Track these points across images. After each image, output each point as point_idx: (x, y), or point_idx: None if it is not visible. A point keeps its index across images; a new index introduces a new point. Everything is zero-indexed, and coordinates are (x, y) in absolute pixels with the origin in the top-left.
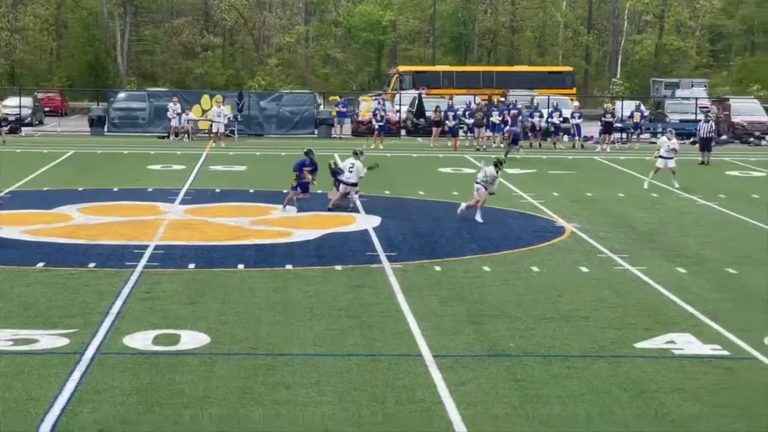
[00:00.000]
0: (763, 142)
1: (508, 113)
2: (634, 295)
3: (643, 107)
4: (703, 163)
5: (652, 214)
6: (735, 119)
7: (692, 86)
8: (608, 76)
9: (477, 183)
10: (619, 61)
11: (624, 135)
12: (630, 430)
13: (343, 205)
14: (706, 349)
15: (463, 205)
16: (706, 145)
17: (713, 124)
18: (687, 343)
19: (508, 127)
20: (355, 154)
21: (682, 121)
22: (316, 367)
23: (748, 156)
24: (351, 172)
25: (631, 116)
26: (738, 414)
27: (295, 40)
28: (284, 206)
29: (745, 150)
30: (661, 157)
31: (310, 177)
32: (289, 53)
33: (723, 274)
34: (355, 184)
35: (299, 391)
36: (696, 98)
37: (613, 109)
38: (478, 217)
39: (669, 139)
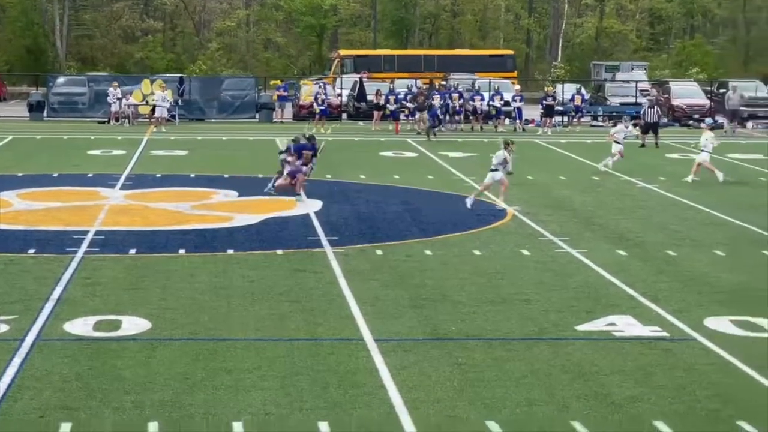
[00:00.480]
0: (702, 125)
1: (449, 97)
2: (575, 277)
3: (583, 90)
4: (643, 146)
5: (593, 197)
6: (674, 102)
7: (632, 69)
8: (549, 59)
9: (492, 170)
10: (560, 44)
11: (565, 118)
12: (571, 411)
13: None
14: (646, 331)
15: (501, 198)
16: (652, 128)
17: (659, 108)
18: (627, 325)
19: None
20: (304, 138)
21: (622, 104)
22: (257, 352)
23: (687, 139)
24: None
25: (572, 99)
26: (677, 395)
27: (236, 24)
28: (300, 195)
29: (685, 132)
30: (617, 142)
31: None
32: (230, 37)
33: (663, 257)
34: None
35: (241, 376)
36: (636, 81)
37: (554, 92)
38: (503, 203)
39: (627, 128)
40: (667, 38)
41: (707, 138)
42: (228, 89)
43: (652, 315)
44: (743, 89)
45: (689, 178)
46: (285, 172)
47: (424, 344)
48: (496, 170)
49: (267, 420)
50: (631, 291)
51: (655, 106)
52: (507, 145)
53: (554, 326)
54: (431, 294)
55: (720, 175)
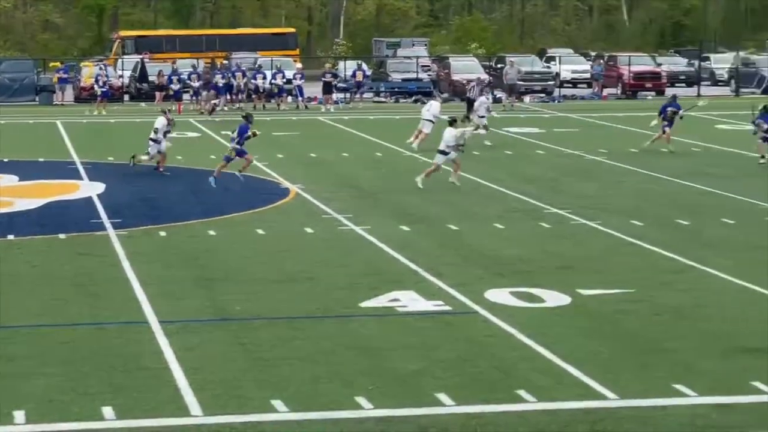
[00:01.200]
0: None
1: (232, 76)
2: (358, 254)
3: (365, 66)
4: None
5: (376, 173)
6: (455, 77)
7: (413, 45)
8: (331, 36)
9: (440, 152)
10: (342, 21)
11: (347, 95)
12: (355, 387)
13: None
14: (429, 305)
15: (453, 177)
16: (470, 104)
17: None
18: (411, 300)
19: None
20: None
21: (404, 80)
22: (40, 338)
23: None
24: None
25: (354, 76)
26: (459, 367)
27: (13, 5)
28: (215, 176)
29: (465, 107)
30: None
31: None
32: (6, 18)
33: (445, 231)
34: None
35: (23, 363)
36: (417, 57)
37: (336, 69)
38: (454, 179)
39: (488, 100)
40: (446, 14)
41: (427, 108)
42: (6, 72)
43: (435, 289)
44: (520, 64)
45: (414, 145)
46: (150, 152)
47: (208, 325)
48: (446, 153)
49: (50, 407)
50: (414, 266)
51: (480, 85)
52: (452, 123)
53: (339, 303)
54: (215, 274)
55: (415, 145)
